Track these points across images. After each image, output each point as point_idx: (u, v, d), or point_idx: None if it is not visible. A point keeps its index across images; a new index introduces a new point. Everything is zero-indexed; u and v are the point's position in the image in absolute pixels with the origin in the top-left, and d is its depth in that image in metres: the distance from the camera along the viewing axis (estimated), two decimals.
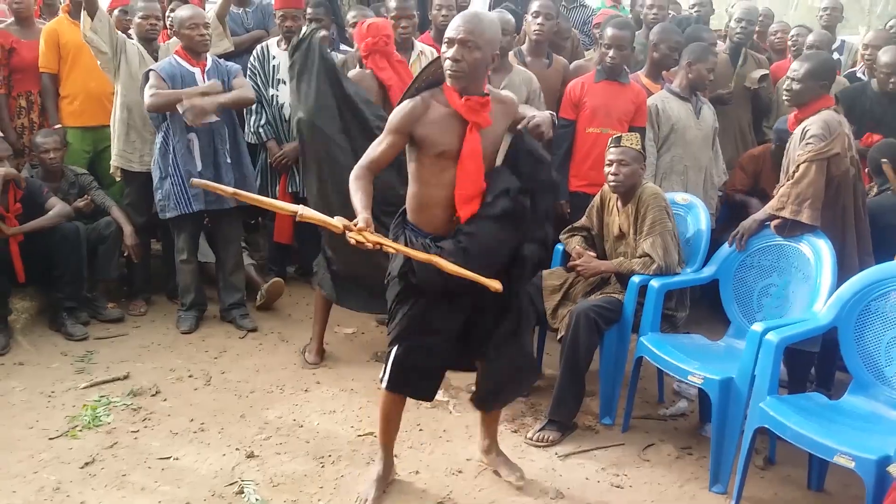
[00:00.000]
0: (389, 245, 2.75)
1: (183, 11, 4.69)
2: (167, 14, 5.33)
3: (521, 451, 3.54)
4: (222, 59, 4.88)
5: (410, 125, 2.84)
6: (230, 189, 2.88)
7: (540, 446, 3.58)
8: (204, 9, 5.62)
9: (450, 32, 2.76)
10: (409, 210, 2.99)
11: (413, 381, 3.04)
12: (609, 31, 4.51)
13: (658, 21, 5.40)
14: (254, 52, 5.07)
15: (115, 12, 5.44)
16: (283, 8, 4.93)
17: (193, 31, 4.60)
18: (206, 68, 4.69)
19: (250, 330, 4.83)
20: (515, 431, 3.71)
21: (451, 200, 2.86)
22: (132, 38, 5.04)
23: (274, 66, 5.00)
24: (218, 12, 5.13)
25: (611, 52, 4.49)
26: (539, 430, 3.65)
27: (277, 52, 5.02)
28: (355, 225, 2.67)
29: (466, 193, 2.85)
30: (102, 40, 4.75)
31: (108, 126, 5.03)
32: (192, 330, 4.82)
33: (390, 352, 3.02)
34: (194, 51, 4.65)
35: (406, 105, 2.86)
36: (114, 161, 4.98)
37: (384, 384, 3.05)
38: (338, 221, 2.69)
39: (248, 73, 5.01)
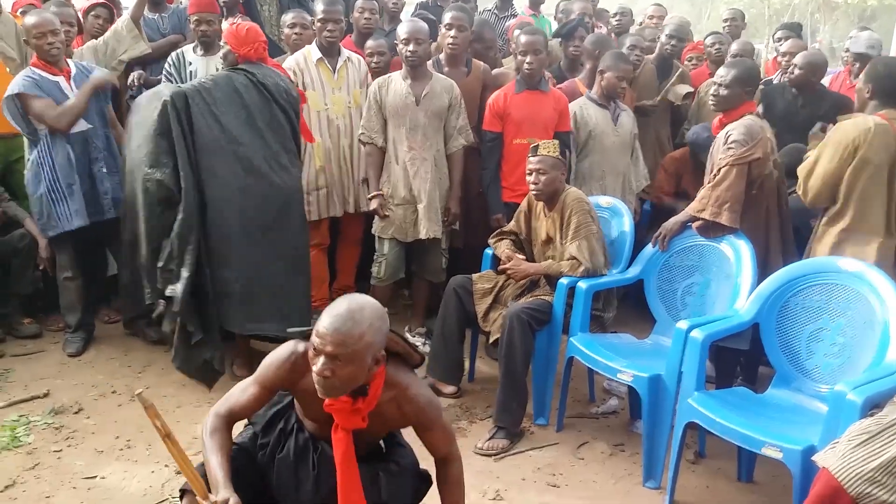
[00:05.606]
0: None
1: (28, 19, 4.37)
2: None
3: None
4: (85, 64, 4.63)
5: (283, 384, 2.36)
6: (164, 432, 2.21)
7: (491, 455, 3.57)
8: (118, 13, 5.47)
9: (314, 340, 2.14)
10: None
11: None
12: (523, 38, 4.47)
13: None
14: (169, 59, 4.94)
15: (20, 14, 5.21)
16: (197, 12, 4.83)
17: (40, 40, 4.29)
18: (73, 74, 4.43)
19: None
20: None
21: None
22: None
23: (191, 71, 4.88)
24: (132, 14, 5.01)
25: (527, 59, 4.43)
26: (489, 440, 3.64)
27: (194, 57, 4.90)
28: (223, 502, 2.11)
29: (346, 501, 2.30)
30: (9, 45, 4.56)
31: (20, 135, 4.83)
32: (79, 353, 4.55)
33: None
34: (47, 60, 4.37)
35: (284, 357, 2.32)
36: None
37: None
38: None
39: (164, 79, 4.89)
